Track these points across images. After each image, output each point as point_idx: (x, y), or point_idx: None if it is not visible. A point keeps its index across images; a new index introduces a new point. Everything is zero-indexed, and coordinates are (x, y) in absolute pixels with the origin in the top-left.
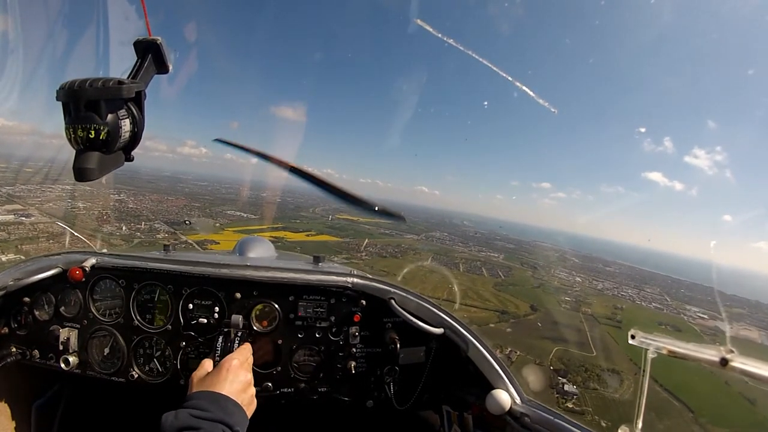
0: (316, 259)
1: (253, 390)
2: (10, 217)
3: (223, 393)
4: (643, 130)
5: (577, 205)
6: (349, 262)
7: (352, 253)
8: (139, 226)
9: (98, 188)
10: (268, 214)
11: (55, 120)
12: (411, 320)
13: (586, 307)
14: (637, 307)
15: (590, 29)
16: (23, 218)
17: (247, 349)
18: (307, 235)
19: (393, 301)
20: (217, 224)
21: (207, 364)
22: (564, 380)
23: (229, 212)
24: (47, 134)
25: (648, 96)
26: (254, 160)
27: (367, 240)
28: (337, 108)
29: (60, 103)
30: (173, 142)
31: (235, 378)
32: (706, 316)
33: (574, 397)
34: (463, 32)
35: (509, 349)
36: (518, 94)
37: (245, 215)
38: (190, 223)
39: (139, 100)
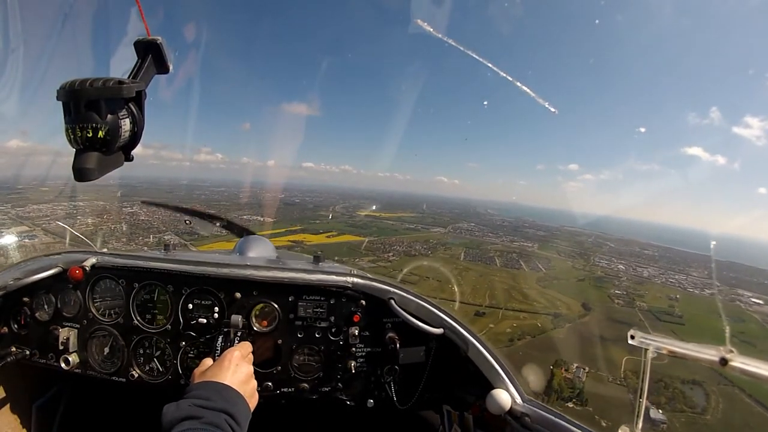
0: (316, 259)
1: (254, 383)
2: (14, 239)
3: (225, 383)
4: (645, 106)
5: (606, 186)
6: (375, 265)
7: (378, 254)
8: (147, 239)
9: (111, 202)
10: (286, 215)
11: (59, 130)
12: (411, 320)
13: (639, 300)
14: (690, 296)
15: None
16: (26, 240)
17: (247, 344)
18: (328, 237)
19: (393, 301)
20: (217, 224)
21: (208, 362)
22: (653, 408)
23: (245, 217)
24: (59, 151)
25: (691, 62)
26: (271, 162)
27: (366, 239)
28: (350, 105)
29: (58, 110)
30: (188, 150)
31: (237, 369)
32: (761, 302)
33: (663, 425)
34: (467, 30)
35: (575, 365)
36: (537, 77)
37: (261, 219)
38: (190, 222)
39: (139, 100)
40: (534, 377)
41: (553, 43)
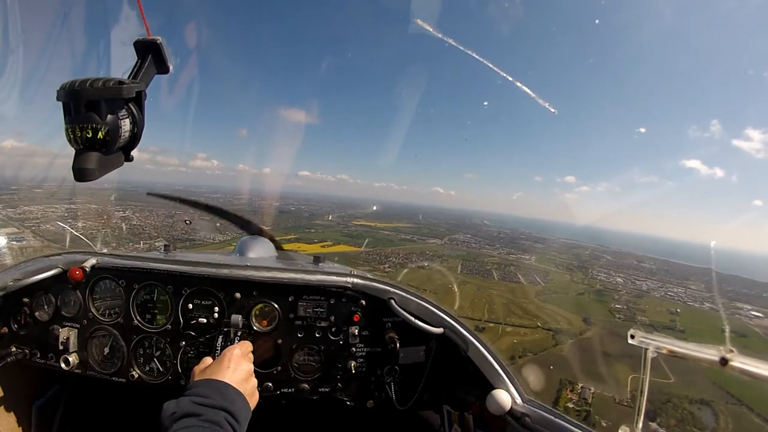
0: (316, 259)
1: (254, 381)
2: (2, 241)
3: (225, 381)
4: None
5: (603, 198)
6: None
7: (374, 264)
8: (138, 245)
9: (103, 206)
10: (281, 224)
11: (56, 132)
12: (411, 320)
13: (640, 314)
14: (690, 309)
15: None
16: (14, 242)
17: (247, 342)
18: (323, 246)
19: (393, 301)
20: (218, 224)
21: (208, 360)
22: (655, 425)
23: None
24: (55, 153)
25: (692, 74)
26: (267, 169)
27: (366, 242)
28: (348, 114)
29: (56, 112)
30: (184, 156)
31: (237, 367)
32: (761, 314)
33: None
34: (466, 32)
35: (581, 385)
36: (537, 84)
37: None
38: (190, 222)
39: (139, 100)
40: (534, 377)
41: (554, 54)
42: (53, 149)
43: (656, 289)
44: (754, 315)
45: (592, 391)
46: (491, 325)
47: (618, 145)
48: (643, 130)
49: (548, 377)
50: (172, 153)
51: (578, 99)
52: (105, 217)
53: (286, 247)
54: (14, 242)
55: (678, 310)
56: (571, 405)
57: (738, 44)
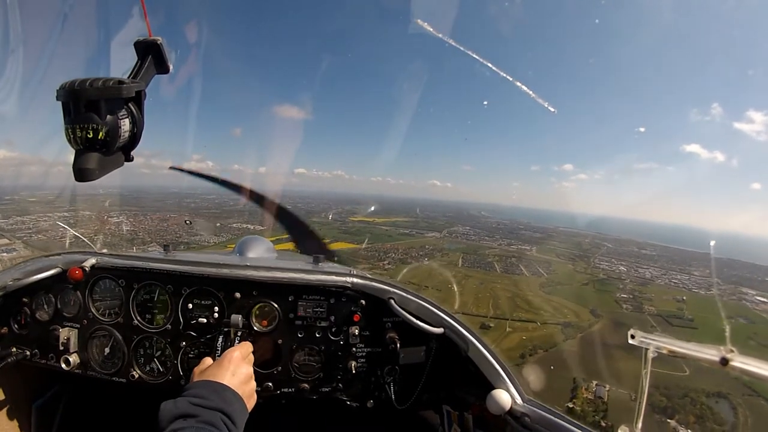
0: (316, 259)
1: (253, 384)
2: None
3: (223, 383)
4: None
5: (601, 185)
6: (371, 273)
7: (373, 262)
8: (130, 250)
9: (97, 211)
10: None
11: (50, 139)
12: (411, 320)
13: (647, 304)
14: (696, 297)
15: None
16: (4, 254)
17: (247, 344)
18: None
19: (393, 301)
20: (218, 224)
21: (208, 361)
22: (673, 422)
23: (234, 225)
24: (49, 162)
25: (690, 56)
26: (262, 169)
27: (366, 240)
28: (343, 109)
29: (55, 113)
30: (179, 158)
31: (236, 370)
32: (766, 300)
33: None
34: (466, 30)
35: (595, 383)
36: (535, 73)
37: (251, 227)
38: (191, 222)
39: (139, 100)
40: (545, 376)
41: (548, 38)
42: (45, 157)
43: (659, 277)
44: (760, 300)
45: (607, 389)
46: (497, 320)
47: (616, 131)
48: (642, 129)
49: (561, 375)
50: (167, 156)
51: (575, 85)
52: (99, 222)
53: (283, 246)
54: (4, 253)
55: (684, 297)
56: (589, 407)
57: (741, 26)
